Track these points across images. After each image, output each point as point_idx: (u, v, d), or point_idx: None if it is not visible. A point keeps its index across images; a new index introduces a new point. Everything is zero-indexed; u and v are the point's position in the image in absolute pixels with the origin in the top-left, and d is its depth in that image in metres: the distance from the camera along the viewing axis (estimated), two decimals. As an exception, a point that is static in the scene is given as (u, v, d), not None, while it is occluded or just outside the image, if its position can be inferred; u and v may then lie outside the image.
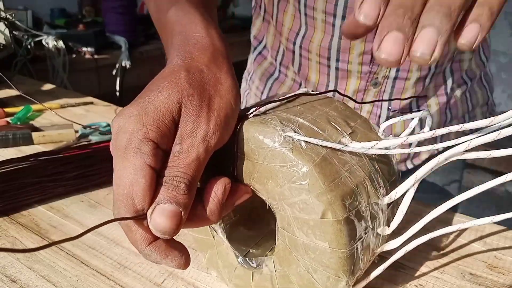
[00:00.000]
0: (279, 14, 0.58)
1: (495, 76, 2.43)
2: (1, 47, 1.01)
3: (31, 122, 0.71)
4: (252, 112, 0.29)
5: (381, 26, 0.22)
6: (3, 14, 0.99)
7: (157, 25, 0.38)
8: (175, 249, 0.26)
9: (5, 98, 0.84)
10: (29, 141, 0.61)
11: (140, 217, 0.24)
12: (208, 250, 0.35)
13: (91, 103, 0.81)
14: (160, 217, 0.23)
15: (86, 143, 0.59)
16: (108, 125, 0.67)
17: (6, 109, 0.74)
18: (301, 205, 0.27)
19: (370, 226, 0.28)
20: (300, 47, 0.58)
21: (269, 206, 0.29)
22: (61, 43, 1.34)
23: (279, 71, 0.64)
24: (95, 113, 0.76)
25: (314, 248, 0.27)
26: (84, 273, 0.36)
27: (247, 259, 0.32)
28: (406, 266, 0.37)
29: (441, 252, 0.39)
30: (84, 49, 1.64)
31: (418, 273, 0.36)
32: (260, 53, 0.67)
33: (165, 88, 0.26)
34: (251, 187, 0.29)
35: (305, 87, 0.45)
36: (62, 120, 0.67)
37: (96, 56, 1.63)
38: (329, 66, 0.57)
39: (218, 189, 0.27)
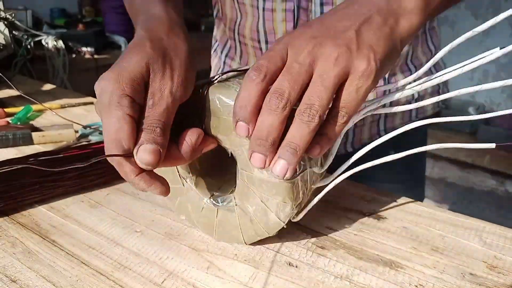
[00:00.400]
0: (223, 7, 0.63)
1: (495, 76, 2.43)
2: (1, 47, 1.01)
3: (31, 122, 0.71)
4: (216, 79, 0.35)
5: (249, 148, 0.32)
6: (3, 14, 0.99)
7: (128, 10, 0.46)
8: (157, 179, 0.33)
9: (5, 98, 0.84)
10: (29, 141, 0.61)
11: (128, 155, 0.30)
12: (178, 197, 0.41)
13: (91, 103, 0.81)
14: (144, 154, 0.30)
15: (86, 143, 0.59)
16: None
17: (6, 109, 0.74)
18: None
19: (308, 166, 0.35)
20: (238, 34, 0.62)
21: (231, 153, 0.37)
22: (61, 43, 1.34)
23: (224, 62, 0.69)
24: (95, 113, 0.76)
25: (267, 181, 0.35)
26: (84, 273, 0.36)
27: (212, 199, 0.40)
28: (406, 266, 0.37)
29: (441, 252, 0.39)
30: (84, 49, 1.64)
31: (418, 273, 0.36)
32: (215, 50, 0.72)
33: (134, 55, 0.32)
34: (217, 139, 0.36)
35: None
36: (62, 120, 0.67)
37: (96, 56, 1.63)
38: (261, 49, 0.60)
39: (193, 134, 0.34)
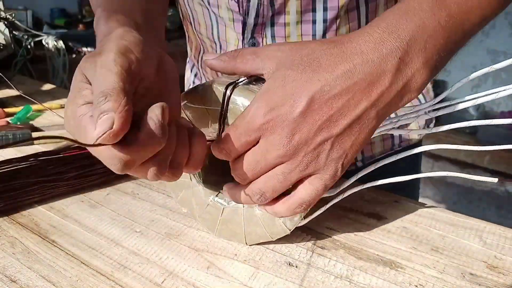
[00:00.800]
0: (189, 34, 0.63)
1: (495, 76, 2.43)
2: (1, 47, 1.01)
3: (31, 122, 0.71)
4: (242, 81, 0.36)
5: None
6: (3, 14, 0.99)
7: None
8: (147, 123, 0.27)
9: (5, 98, 0.84)
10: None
11: (95, 145, 0.27)
12: (183, 190, 0.41)
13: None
14: (100, 126, 0.26)
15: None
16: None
17: (6, 109, 0.74)
18: None
19: None
20: (201, 66, 0.63)
21: None
22: (61, 43, 1.34)
23: (193, 82, 0.70)
24: (95, 113, 0.76)
25: None
26: (84, 273, 0.36)
27: (219, 198, 0.40)
28: (406, 266, 0.37)
29: (441, 252, 0.39)
30: (84, 49, 1.64)
31: (418, 273, 0.36)
32: (188, 62, 0.73)
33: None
34: None
35: None
36: (62, 120, 0.67)
37: (96, 56, 1.62)
38: None
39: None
